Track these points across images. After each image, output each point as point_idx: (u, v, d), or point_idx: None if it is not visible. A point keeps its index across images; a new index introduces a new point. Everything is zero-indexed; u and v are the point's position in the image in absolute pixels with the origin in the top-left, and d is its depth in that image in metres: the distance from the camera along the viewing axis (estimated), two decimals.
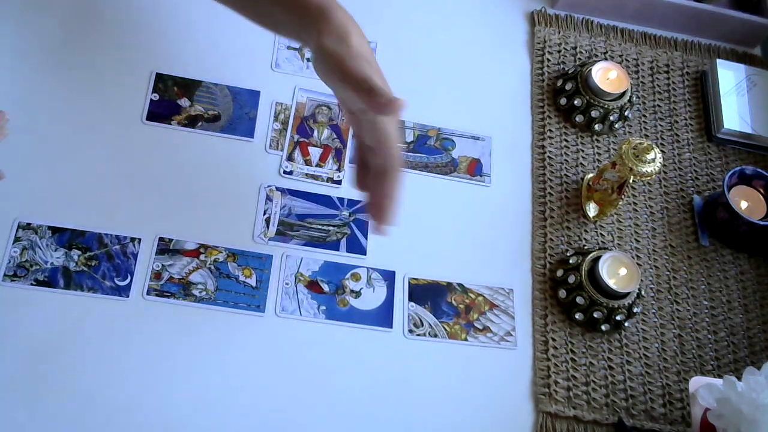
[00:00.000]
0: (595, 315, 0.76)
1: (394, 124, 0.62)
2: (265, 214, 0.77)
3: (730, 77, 0.97)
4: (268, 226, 0.76)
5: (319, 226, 0.77)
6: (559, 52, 0.96)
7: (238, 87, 0.83)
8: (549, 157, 0.88)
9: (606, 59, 0.95)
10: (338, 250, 0.77)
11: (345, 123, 0.83)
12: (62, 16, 0.83)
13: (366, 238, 0.78)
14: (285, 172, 0.79)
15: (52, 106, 0.77)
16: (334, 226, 0.78)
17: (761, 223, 0.84)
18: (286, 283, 0.74)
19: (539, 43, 0.96)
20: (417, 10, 0.96)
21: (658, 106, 0.96)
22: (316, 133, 0.82)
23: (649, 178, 0.76)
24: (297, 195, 0.79)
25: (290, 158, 0.80)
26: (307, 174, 0.80)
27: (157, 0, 0.87)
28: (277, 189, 0.79)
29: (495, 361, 0.75)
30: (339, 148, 0.82)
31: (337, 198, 0.80)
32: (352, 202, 0.80)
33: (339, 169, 0.81)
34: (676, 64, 1.00)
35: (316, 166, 0.81)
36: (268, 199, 0.78)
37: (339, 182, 0.80)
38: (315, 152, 0.82)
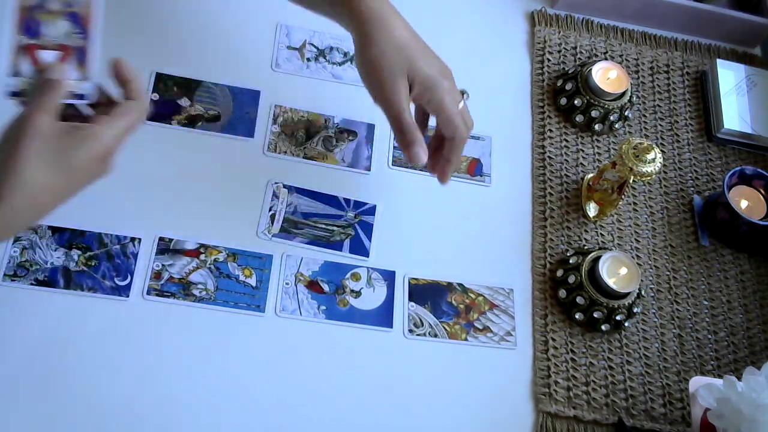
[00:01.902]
0: (595, 315, 0.76)
1: (453, 102, 0.67)
2: (270, 210, 0.77)
3: (730, 77, 0.97)
4: (272, 223, 0.76)
5: (324, 226, 0.77)
6: (559, 52, 0.96)
7: (238, 87, 0.83)
8: (549, 157, 0.88)
9: (606, 59, 0.95)
10: (341, 250, 0.77)
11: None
12: None
13: (370, 240, 0.78)
14: (12, 93, 0.56)
15: None
16: (338, 226, 0.78)
17: (761, 223, 0.84)
18: (286, 283, 0.74)
19: (539, 43, 0.96)
20: (417, 11, 0.95)
21: (658, 106, 0.96)
22: (47, 28, 0.57)
23: (649, 178, 0.76)
24: (304, 193, 0.79)
25: (16, 72, 0.56)
26: None
27: (158, 0, 0.87)
28: (284, 186, 0.79)
29: (495, 361, 0.75)
30: (82, 46, 0.57)
31: (344, 199, 0.80)
32: (358, 204, 0.80)
33: (84, 78, 0.57)
34: (676, 64, 1.00)
35: None
36: (275, 196, 0.78)
37: (82, 96, 0.57)
38: (49, 58, 0.56)
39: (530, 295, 0.79)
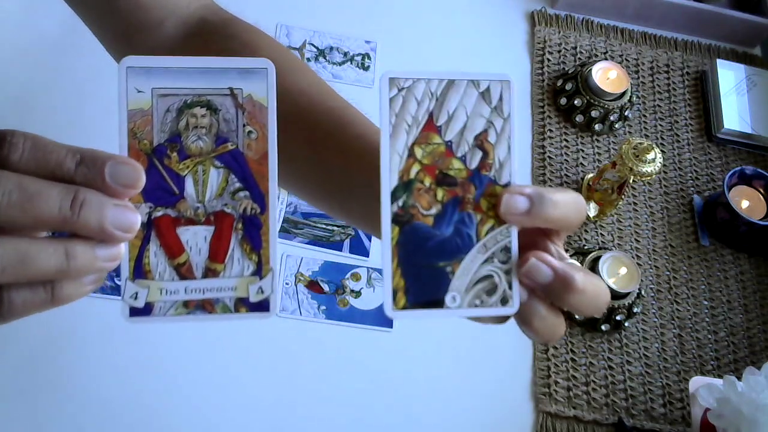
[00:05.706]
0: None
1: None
2: None
3: (730, 77, 0.97)
4: None
5: (324, 226, 0.77)
6: (559, 52, 0.96)
7: None
8: (549, 157, 0.88)
9: (606, 59, 0.95)
10: (341, 250, 0.77)
11: None
12: (62, 15, 0.83)
13: (370, 240, 0.78)
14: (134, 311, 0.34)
15: (52, 105, 0.77)
16: (338, 226, 0.78)
17: (761, 223, 0.83)
18: (286, 283, 0.74)
19: (539, 43, 0.96)
20: (417, 11, 0.96)
21: (658, 106, 0.96)
22: (190, 188, 0.35)
23: (649, 178, 0.76)
24: None
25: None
26: None
27: None
28: None
29: (495, 362, 0.75)
30: (255, 214, 0.32)
31: None
32: None
33: (262, 275, 0.29)
34: (676, 64, 1.00)
35: None
36: None
37: (262, 305, 0.35)
38: (195, 238, 0.30)
39: None
